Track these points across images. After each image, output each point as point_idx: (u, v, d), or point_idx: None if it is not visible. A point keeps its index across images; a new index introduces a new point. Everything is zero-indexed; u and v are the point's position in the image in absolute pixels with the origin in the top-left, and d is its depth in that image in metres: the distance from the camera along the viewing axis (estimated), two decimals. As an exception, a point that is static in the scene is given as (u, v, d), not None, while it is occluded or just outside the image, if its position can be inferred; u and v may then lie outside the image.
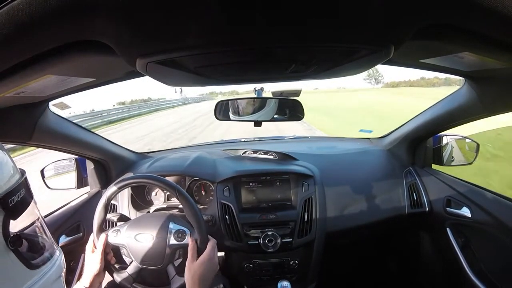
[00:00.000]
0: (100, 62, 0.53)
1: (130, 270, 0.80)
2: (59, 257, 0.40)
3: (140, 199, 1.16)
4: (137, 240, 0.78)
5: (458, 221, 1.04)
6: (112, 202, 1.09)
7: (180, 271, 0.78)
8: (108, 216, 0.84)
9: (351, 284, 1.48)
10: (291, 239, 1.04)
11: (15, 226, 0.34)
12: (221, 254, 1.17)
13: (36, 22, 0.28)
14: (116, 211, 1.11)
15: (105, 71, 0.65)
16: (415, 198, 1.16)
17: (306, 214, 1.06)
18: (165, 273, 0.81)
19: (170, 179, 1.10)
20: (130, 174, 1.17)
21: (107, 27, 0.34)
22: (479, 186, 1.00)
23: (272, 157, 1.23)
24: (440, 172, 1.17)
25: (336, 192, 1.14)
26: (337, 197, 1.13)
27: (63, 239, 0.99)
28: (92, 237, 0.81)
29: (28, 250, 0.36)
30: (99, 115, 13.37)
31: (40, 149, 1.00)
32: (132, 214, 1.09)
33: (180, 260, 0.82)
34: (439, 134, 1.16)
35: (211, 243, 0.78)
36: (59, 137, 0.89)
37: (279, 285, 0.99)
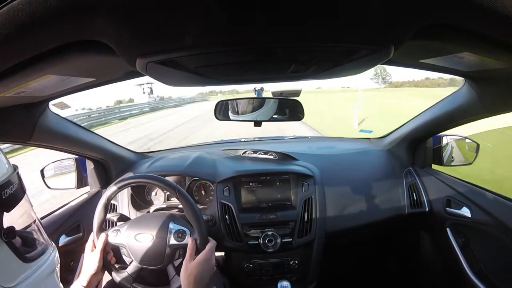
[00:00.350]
0: (100, 62, 0.53)
1: (130, 270, 0.80)
2: (53, 253, 0.40)
3: (140, 199, 1.16)
4: (137, 240, 0.78)
5: (458, 221, 1.04)
6: (112, 202, 1.09)
7: (180, 271, 0.79)
8: (108, 216, 0.84)
9: (351, 284, 1.48)
10: (291, 239, 1.04)
11: (8, 219, 0.34)
12: (221, 254, 1.17)
13: (36, 22, 0.28)
14: (116, 211, 1.11)
15: (105, 71, 0.65)
16: (415, 198, 1.16)
17: (306, 214, 1.06)
18: (165, 273, 0.81)
19: (170, 179, 1.10)
20: (130, 174, 1.17)
21: (107, 27, 0.34)
22: (479, 186, 1.00)
23: (272, 157, 1.23)
24: (440, 172, 1.17)
25: (336, 192, 1.14)
26: (337, 197, 1.13)
27: (63, 239, 0.99)
28: (92, 236, 0.81)
29: (21, 244, 0.36)
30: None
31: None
32: (132, 214, 1.09)
33: (180, 260, 0.82)
34: (439, 134, 1.16)
35: (210, 244, 0.78)
36: (59, 137, 0.89)
37: (279, 285, 0.99)
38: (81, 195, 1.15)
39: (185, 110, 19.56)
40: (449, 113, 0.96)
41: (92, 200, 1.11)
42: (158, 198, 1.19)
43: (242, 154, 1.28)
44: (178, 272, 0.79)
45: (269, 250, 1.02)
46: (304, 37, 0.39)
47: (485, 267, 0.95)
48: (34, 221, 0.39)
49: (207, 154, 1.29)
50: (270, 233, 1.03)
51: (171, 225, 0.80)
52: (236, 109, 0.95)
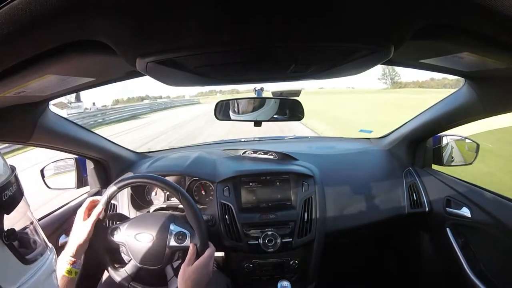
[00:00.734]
0: (100, 62, 0.53)
1: (128, 268, 0.80)
2: (51, 255, 0.40)
3: (140, 199, 1.16)
4: (137, 240, 0.78)
5: (458, 221, 1.04)
6: (112, 201, 1.09)
7: (178, 273, 0.79)
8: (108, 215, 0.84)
9: (351, 284, 1.48)
10: (291, 239, 1.04)
11: (7, 221, 0.34)
12: (221, 254, 1.17)
13: (36, 22, 0.28)
14: (116, 211, 1.12)
15: (105, 71, 0.65)
16: (415, 198, 1.16)
17: (306, 214, 1.06)
18: (163, 273, 0.81)
19: (170, 179, 1.10)
20: (130, 174, 1.17)
21: (107, 27, 0.34)
22: (479, 186, 1.00)
23: (272, 157, 1.23)
24: (440, 172, 1.17)
25: (336, 192, 1.14)
26: (337, 197, 1.13)
27: (63, 239, 0.98)
28: (86, 204, 0.80)
29: (19, 246, 0.36)
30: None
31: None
32: (132, 213, 1.09)
33: (179, 261, 0.82)
34: (439, 134, 1.16)
35: (210, 250, 0.78)
36: (59, 137, 0.89)
37: (279, 285, 0.99)
38: (81, 195, 1.15)
39: (146, 126, 11.67)
40: (449, 113, 0.96)
41: None
42: (158, 198, 1.19)
43: (242, 154, 1.28)
44: (176, 274, 0.79)
45: (269, 250, 1.02)
46: (304, 37, 0.39)
47: (485, 267, 0.95)
48: (32, 223, 0.39)
49: (207, 154, 1.29)
50: (270, 233, 1.03)
51: (172, 227, 0.80)
52: (236, 109, 0.96)
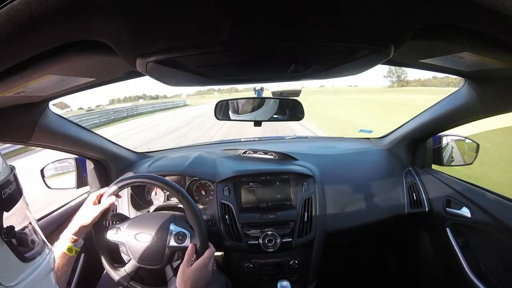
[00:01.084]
0: (100, 62, 0.53)
1: (128, 268, 0.80)
2: (49, 254, 0.40)
3: (140, 199, 1.16)
4: (137, 239, 0.78)
5: (458, 221, 1.04)
6: None
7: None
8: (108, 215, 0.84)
9: (351, 284, 1.48)
10: (291, 239, 1.04)
11: (6, 219, 0.34)
12: (221, 253, 1.17)
13: (36, 22, 0.28)
14: (116, 211, 1.12)
15: (105, 71, 0.65)
16: (415, 198, 1.16)
17: (306, 214, 1.06)
18: (163, 273, 0.81)
19: (170, 179, 1.10)
20: (130, 174, 1.17)
21: (107, 27, 0.34)
22: (479, 186, 1.00)
23: (272, 157, 1.23)
24: (440, 172, 1.17)
25: (336, 192, 1.14)
26: (337, 197, 1.13)
27: None
28: (100, 191, 0.83)
29: (18, 244, 0.36)
30: None
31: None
32: (132, 213, 1.09)
33: (179, 261, 0.82)
34: (439, 134, 1.16)
35: (210, 251, 0.78)
36: (59, 137, 0.89)
37: (279, 285, 0.99)
38: (81, 195, 1.15)
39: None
40: (449, 113, 0.96)
41: None
42: (158, 198, 1.19)
43: (242, 154, 1.28)
44: (176, 274, 0.79)
45: (269, 250, 1.03)
46: (304, 37, 0.39)
47: (485, 267, 0.95)
48: (30, 222, 0.40)
49: (207, 154, 1.29)
50: (270, 233, 1.03)
51: (172, 227, 0.80)
52: (236, 109, 0.96)
